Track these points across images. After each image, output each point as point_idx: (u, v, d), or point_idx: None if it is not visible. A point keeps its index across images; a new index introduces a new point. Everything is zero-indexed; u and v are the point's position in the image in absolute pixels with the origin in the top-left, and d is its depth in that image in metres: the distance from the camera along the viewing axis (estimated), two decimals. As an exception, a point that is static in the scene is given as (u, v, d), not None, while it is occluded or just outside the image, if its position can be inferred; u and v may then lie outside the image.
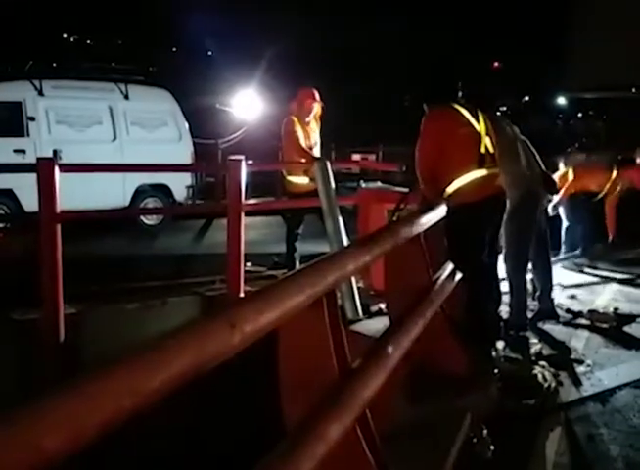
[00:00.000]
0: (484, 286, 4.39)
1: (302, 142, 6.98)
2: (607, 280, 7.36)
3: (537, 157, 5.52)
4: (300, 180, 7.01)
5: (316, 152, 7.21)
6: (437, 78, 4.79)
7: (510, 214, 5.25)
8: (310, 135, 7.16)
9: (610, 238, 8.55)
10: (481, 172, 4.34)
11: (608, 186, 8.17)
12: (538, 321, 5.58)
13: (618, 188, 8.22)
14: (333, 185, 5.89)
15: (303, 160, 6.95)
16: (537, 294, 5.75)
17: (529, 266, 5.62)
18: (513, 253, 5.36)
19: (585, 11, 22.23)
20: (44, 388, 1.16)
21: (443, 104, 4.51)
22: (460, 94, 4.62)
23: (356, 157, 15.24)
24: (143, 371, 1.32)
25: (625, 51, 19.10)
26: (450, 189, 4.35)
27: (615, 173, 8.21)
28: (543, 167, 5.59)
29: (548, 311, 5.69)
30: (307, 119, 7.11)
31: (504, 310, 5.42)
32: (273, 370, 2.54)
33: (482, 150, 4.36)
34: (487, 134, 4.43)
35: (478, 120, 4.42)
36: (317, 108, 7.16)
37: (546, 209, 5.91)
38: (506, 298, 5.42)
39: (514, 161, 5.23)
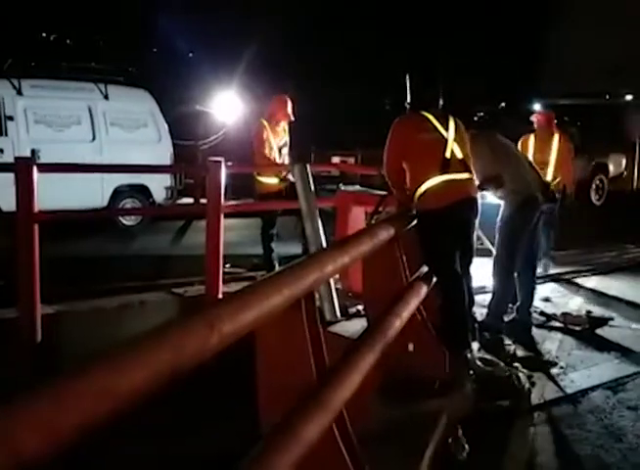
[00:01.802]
0: (453, 290, 4.42)
1: (273, 144, 7.23)
2: (580, 283, 7.46)
3: (534, 165, 5.64)
4: (270, 180, 7.28)
5: (285, 152, 7.44)
6: (421, 86, 4.82)
7: (506, 219, 5.31)
8: (280, 135, 7.38)
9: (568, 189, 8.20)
10: (445, 177, 4.35)
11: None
12: (512, 328, 5.61)
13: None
14: (312, 188, 5.92)
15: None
16: (517, 304, 5.70)
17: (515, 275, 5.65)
18: (503, 257, 5.39)
19: (560, 18, 22.46)
20: (21, 388, 1.15)
21: (415, 111, 4.58)
22: (441, 102, 4.69)
23: (336, 160, 15.26)
24: (121, 371, 1.32)
25: (600, 59, 19.33)
26: (417, 194, 4.39)
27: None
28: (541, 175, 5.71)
29: (523, 323, 5.64)
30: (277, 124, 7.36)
31: (482, 312, 5.49)
32: (251, 370, 2.56)
33: (447, 155, 4.37)
34: (456, 141, 4.44)
35: (447, 127, 4.44)
36: (287, 120, 7.41)
37: (542, 218, 5.74)
38: (482, 299, 5.50)
39: (513, 167, 5.36)
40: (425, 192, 4.35)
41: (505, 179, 5.27)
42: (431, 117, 4.45)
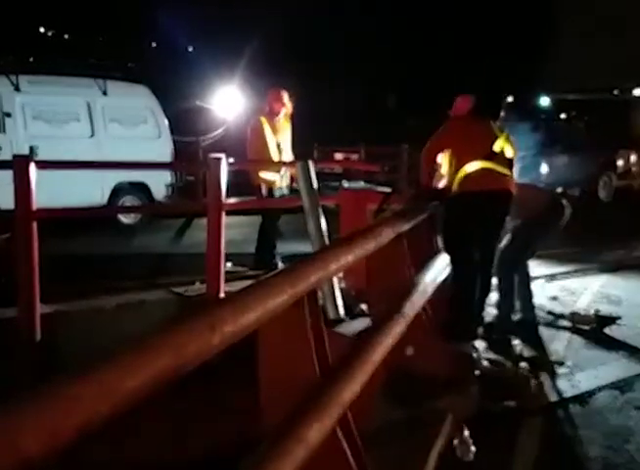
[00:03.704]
0: (465, 276, 4.50)
1: (271, 140, 7.29)
2: (588, 282, 7.42)
3: None
4: (271, 176, 7.35)
5: (286, 148, 7.49)
6: (485, 102, 4.97)
7: (533, 221, 5.31)
8: (279, 132, 7.41)
9: None
10: (487, 164, 4.56)
11: None
12: (520, 327, 5.57)
13: None
14: (315, 185, 5.88)
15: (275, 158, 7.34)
16: (519, 304, 5.59)
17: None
18: (517, 257, 5.40)
19: (567, 13, 22.50)
20: (21, 389, 1.15)
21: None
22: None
23: (339, 156, 15.25)
24: (122, 372, 1.33)
25: (607, 53, 19.36)
26: (457, 176, 4.60)
27: None
28: None
29: (530, 322, 5.58)
30: (276, 118, 7.40)
31: (491, 312, 5.46)
32: (253, 369, 2.54)
33: (496, 149, 4.61)
34: (507, 142, 4.69)
35: (501, 131, 4.74)
36: (285, 111, 7.46)
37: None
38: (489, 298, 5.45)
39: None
40: (465, 175, 4.57)
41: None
42: (487, 119, 4.78)
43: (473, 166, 4.54)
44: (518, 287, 5.60)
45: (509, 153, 4.68)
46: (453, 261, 4.54)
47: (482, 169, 4.52)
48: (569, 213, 5.51)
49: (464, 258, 4.52)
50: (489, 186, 4.54)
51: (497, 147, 4.61)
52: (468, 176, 4.55)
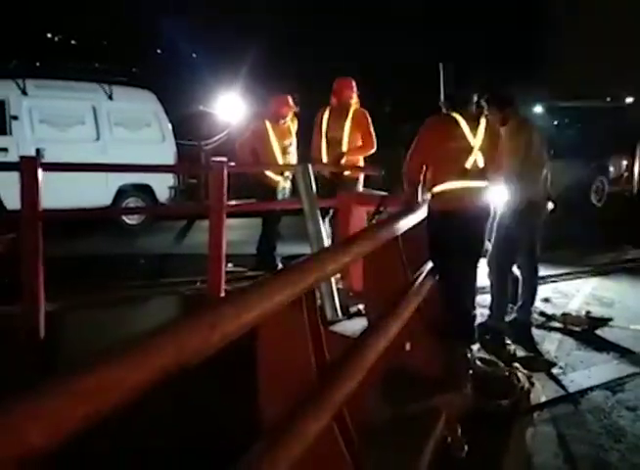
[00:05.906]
0: (452, 289, 4.50)
1: (275, 144, 7.38)
2: (579, 284, 7.45)
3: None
4: (276, 176, 7.45)
5: (292, 151, 7.56)
6: (453, 87, 4.93)
7: (509, 219, 5.33)
8: (285, 135, 7.48)
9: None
10: (461, 184, 4.47)
11: None
12: (512, 328, 5.62)
13: None
14: (314, 188, 5.96)
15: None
16: (518, 305, 5.67)
17: (520, 278, 5.65)
18: (500, 257, 5.41)
19: (561, 21, 22.49)
20: (26, 384, 1.18)
21: (449, 112, 4.66)
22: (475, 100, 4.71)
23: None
24: (124, 368, 1.35)
25: (600, 61, 19.35)
26: (432, 191, 4.55)
27: None
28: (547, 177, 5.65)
29: (523, 324, 5.62)
30: (281, 122, 7.46)
31: (483, 312, 5.52)
32: (253, 367, 2.58)
33: (468, 165, 4.48)
34: (482, 149, 4.52)
35: (476, 133, 4.52)
36: (291, 114, 7.54)
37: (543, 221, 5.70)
38: (482, 299, 5.51)
39: (533, 171, 5.38)
40: (439, 192, 4.51)
41: (519, 178, 5.27)
42: (462, 120, 4.51)
43: (446, 186, 4.48)
44: (523, 288, 5.63)
45: (481, 163, 4.53)
46: (440, 272, 4.48)
47: (457, 189, 4.47)
48: (544, 215, 5.51)
49: (445, 271, 4.48)
50: (463, 203, 4.47)
51: (470, 163, 4.48)
52: (442, 194, 4.50)
